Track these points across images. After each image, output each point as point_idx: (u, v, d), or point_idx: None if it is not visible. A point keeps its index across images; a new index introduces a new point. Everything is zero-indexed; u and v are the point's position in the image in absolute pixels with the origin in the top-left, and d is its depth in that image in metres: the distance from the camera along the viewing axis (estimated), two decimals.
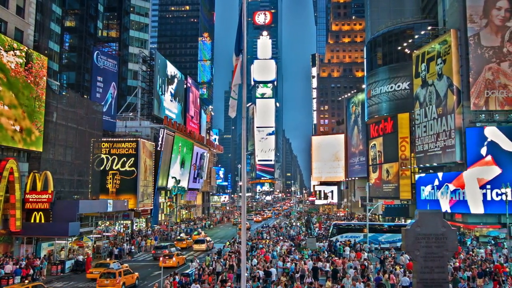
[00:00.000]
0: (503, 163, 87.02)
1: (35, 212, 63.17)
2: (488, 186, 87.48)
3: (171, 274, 46.26)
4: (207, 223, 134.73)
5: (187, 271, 52.35)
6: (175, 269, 58.39)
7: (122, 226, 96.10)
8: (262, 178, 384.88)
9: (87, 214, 74.06)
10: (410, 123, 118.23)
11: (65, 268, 59.58)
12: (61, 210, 64.27)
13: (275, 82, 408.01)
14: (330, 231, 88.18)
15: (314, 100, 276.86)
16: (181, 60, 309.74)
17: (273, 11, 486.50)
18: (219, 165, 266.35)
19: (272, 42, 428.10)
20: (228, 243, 77.95)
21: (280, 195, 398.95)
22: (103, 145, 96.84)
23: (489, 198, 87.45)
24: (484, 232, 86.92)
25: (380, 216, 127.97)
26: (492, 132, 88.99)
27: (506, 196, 70.92)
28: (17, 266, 52.96)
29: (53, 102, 72.02)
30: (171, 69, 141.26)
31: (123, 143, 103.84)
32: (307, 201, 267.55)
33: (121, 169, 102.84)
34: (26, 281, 48.89)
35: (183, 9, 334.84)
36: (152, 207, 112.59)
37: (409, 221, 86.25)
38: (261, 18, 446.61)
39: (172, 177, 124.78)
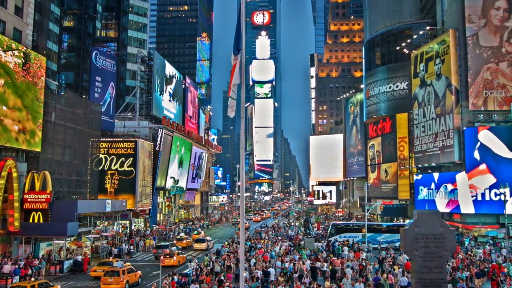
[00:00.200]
0: (496, 170, 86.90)
1: (34, 212, 63.21)
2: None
3: (170, 274, 46.22)
4: (205, 223, 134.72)
5: (185, 271, 52.30)
6: (175, 268, 58.98)
7: (120, 226, 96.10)
8: (260, 178, 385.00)
9: (86, 214, 73.99)
10: (408, 123, 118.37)
11: (64, 268, 59.57)
12: (59, 210, 64.27)
13: (274, 82, 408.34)
14: (328, 231, 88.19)
15: (313, 100, 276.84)
16: (180, 60, 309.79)
17: (271, 11, 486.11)
18: (218, 165, 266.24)
19: (270, 42, 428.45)
20: (226, 243, 78.02)
21: (278, 195, 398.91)
22: (102, 145, 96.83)
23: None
24: (483, 232, 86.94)
25: (378, 216, 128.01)
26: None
27: (505, 196, 71.05)
28: (16, 266, 52.95)
29: (52, 102, 72.06)
30: (169, 69, 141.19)
31: (121, 143, 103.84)
32: (306, 201, 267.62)
33: (119, 169, 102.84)
34: (32, 279, 49.50)
35: (181, 9, 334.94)
36: (150, 207, 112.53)
37: (407, 221, 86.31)
38: (260, 18, 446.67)
39: (171, 177, 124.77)
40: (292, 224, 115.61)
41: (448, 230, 25.67)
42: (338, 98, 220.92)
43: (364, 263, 53.26)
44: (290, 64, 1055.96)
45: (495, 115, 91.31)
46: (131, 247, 77.77)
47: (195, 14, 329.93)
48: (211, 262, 54.90)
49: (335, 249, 68.76)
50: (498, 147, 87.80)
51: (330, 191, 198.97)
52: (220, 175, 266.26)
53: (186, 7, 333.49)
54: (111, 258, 65.52)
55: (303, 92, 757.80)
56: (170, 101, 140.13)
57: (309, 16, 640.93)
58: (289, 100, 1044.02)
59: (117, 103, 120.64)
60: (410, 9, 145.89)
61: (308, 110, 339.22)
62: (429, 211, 27.51)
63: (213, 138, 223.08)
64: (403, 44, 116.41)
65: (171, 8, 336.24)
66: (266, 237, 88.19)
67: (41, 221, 63.15)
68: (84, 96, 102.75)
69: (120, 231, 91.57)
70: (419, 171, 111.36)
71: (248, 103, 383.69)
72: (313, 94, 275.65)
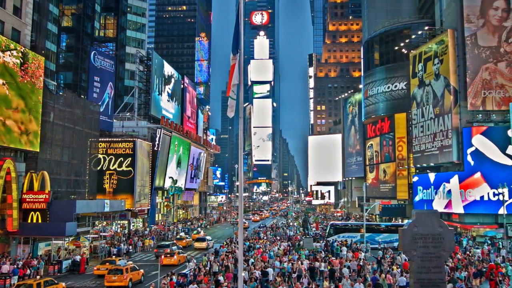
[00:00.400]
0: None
1: (32, 212, 63.22)
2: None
3: (168, 274, 46.24)
4: (203, 223, 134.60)
5: (184, 271, 52.34)
6: (176, 267, 59.80)
7: (119, 226, 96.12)
8: (259, 178, 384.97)
9: (84, 214, 73.92)
10: (407, 123, 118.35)
11: (62, 268, 59.59)
12: (58, 210, 64.29)
13: (272, 82, 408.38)
14: (327, 231, 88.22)
15: (311, 100, 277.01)
16: (178, 60, 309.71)
17: (270, 11, 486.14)
18: (216, 165, 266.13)
19: (269, 42, 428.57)
20: (225, 243, 78.06)
21: (277, 195, 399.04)
22: (100, 145, 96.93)
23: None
24: (481, 232, 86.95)
25: (377, 216, 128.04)
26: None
27: (503, 196, 71.06)
28: (14, 266, 52.96)
29: (50, 102, 72.03)
30: (168, 69, 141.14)
31: (120, 143, 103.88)
32: (304, 201, 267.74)
33: (118, 169, 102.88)
34: (38, 277, 50.59)
35: (180, 9, 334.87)
36: (149, 207, 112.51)
37: (406, 221, 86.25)
38: (258, 18, 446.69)
39: (169, 177, 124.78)
40: (291, 224, 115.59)
41: (446, 230, 25.69)
42: (337, 98, 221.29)
43: (362, 263, 53.33)
44: (288, 64, 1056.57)
45: (494, 115, 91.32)
46: (130, 247, 77.85)
47: (194, 14, 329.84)
48: (208, 262, 54.93)
49: (333, 249, 68.80)
50: (493, 153, 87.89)
51: (329, 191, 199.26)
52: (218, 175, 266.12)
53: (184, 7, 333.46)
54: (113, 256, 66.33)
55: (301, 92, 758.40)
56: (168, 101, 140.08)
57: (307, 16, 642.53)
58: (288, 100, 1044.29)
59: (116, 103, 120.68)
60: (409, 9, 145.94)
61: (306, 110, 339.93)
62: (428, 211, 27.49)
63: (212, 138, 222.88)
64: (402, 44, 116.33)
65: (169, 8, 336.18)
66: (265, 237, 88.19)
67: (40, 221, 63.14)
68: (82, 96, 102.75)
69: (119, 231, 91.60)
70: (417, 171, 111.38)
71: (247, 103, 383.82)
72: (311, 94, 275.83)
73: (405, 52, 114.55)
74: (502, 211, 72.37)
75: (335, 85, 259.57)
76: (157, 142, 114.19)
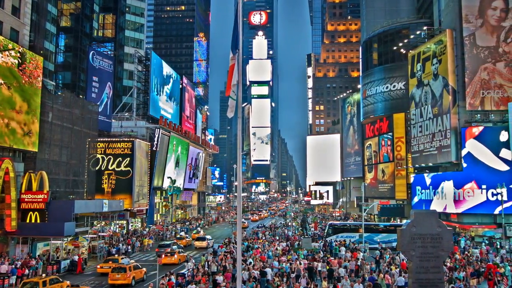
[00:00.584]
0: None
1: (31, 212, 63.22)
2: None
3: (166, 274, 46.26)
4: (201, 223, 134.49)
5: (182, 271, 52.41)
6: (176, 266, 60.88)
7: (117, 226, 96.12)
8: (257, 178, 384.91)
9: (83, 214, 73.94)
10: (405, 123, 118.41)
11: (61, 268, 59.57)
12: (56, 210, 64.32)
13: (271, 82, 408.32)
14: (325, 231, 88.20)
15: (310, 100, 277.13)
16: (177, 60, 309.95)
17: (268, 11, 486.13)
18: (215, 165, 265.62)
19: (267, 42, 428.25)
20: (223, 243, 78.11)
21: (275, 195, 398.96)
22: (99, 145, 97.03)
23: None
24: (480, 232, 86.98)
25: (375, 216, 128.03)
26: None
27: (502, 196, 71.07)
28: (13, 266, 52.97)
29: (49, 102, 72.05)
30: (166, 69, 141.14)
31: (118, 143, 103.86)
32: (303, 201, 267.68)
33: (116, 169, 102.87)
34: (43, 275, 51.98)
35: (178, 9, 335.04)
36: (147, 207, 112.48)
37: (404, 221, 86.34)
38: (257, 18, 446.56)
39: (168, 177, 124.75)
40: (289, 224, 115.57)
41: (445, 230, 25.69)
42: (335, 98, 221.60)
43: (360, 263, 53.35)
44: (287, 64, 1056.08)
45: (492, 115, 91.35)
46: (129, 247, 77.90)
47: (192, 14, 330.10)
48: (206, 263, 54.98)
49: (332, 249, 68.82)
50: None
51: (327, 191, 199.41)
52: (217, 175, 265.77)
53: (183, 7, 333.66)
54: (116, 255, 66.75)
55: (300, 92, 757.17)
56: (167, 101, 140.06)
57: (306, 16, 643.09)
58: (286, 100, 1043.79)
59: (114, 103, 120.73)
60: (407, 9, 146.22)
61: (305, 110, 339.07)
62: (426, 211, 27.52)
63: (210, 138, 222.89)
64: (400, 44, 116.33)
65: (168, 8, 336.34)
66: (263, 237, 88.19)
67: (38, 221, 63.15)
68: (81, 96, 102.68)
69: (117, 231, 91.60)
70: (416, 171, 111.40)
71: (245, 103, 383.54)
72: (310, 94, 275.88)
73: (404, 52, 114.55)
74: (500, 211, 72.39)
75: (334, 85, 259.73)
76: (155, 142, 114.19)
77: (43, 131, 69.13)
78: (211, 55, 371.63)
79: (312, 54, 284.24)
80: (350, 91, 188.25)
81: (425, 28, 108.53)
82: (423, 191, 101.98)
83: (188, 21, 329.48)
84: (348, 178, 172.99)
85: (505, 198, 75.55)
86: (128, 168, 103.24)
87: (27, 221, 63.03)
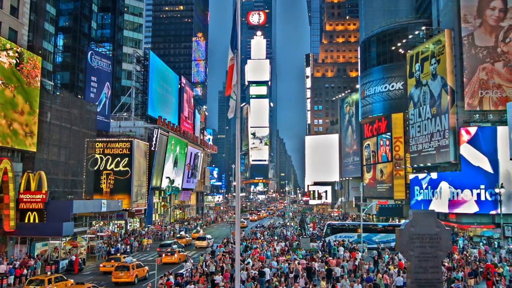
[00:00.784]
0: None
1: (29, 212, 63.21)
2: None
3: (165, 274, 46.32)
4: (200, 223, 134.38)
5: (181, 271, 52.51)
6: (176, 265, 61.95)
7: (116, 226, 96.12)
8: (256, 178, 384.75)
9: (81, 214, 74.07)
10: (404, 123, 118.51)
11: (59, 268, 59.56)
12: (55, 210, 64.31)
13: (269, 82, 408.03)
14: (324, 231, 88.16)
15: (308, 100, 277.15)
16: (175, 60, 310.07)
17: (267, 11, 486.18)
18: (213, 165, 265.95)
19: (266, 42, 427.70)
20: (222, 243, 78.19)
21: (274, 195, 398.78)
22: (97, 145, 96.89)
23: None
24: (478, 232, 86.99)
25: (374, 216, 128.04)
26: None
27: (500, 196, 71.10)
28: (11, 266, 52.96)
29: (47, 102, 72.01)
30: (165, 69, 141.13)
31: (117, 143, 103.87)
32: (301, 201, 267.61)
33: (115, 169, 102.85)
34: (49, 273, 52.14)
35: (177, 9, 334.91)
36: (146, 207, 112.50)
37: (403, 221, 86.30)
38: (255, 18, 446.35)
39: (166, 177, 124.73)
40: (288, 224, 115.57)
41: (443, 230, 25.71)
42: (334, 98, 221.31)
43: (357, 263, 53.37)
44: (285, 64, 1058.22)
45: (491, 115, 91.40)
46: (127, 247, 78.00)
47: (191, 14, 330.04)
48: (204, 263, 55.07)
49: (331, 249, 68.82)
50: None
51: (326, 191, 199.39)
52: (215, 175, 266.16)
53: (181, 7, 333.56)
54: (118, 254, 67.93)
55: (298, 92, 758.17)
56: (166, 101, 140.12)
57: (304, 16, 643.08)
58: (285, 100, 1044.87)
59: (113, 103, 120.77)
60: (406, 9, 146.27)
61: (303, 110, 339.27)
62: (425, 211, 27.55)
63: (209, 138, 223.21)
64: (399, 44, 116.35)
65: (166, 8, 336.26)
66: (262, 237, 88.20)
67: (37, 221, 63.14)
68: (79, 96, 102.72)
69: (116, 231, 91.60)
70: (414, 171, 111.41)
71: (244, 103, 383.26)
72: (308, 94, 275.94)
73: (402, 52, 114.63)
74: (498, 211, 72.38)
75: (332, 85, 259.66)
76: (154, 142, 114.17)
77: (41, 131, 69.10)
78: (210, 55, 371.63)
79: (311, 54, 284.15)
80: (349, 91, 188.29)
81: (423, 28, 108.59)
82: (422, 191, 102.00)
83: (187, 21, 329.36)
84: (347, 178, 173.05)
85: (503, 198, 75.57)
86: (127, 168, 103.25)
87: (26, 221, 63.01)
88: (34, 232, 63.21)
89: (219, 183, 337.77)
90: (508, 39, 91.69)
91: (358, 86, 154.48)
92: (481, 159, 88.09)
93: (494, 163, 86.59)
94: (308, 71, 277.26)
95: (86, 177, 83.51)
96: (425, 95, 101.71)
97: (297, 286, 41.53)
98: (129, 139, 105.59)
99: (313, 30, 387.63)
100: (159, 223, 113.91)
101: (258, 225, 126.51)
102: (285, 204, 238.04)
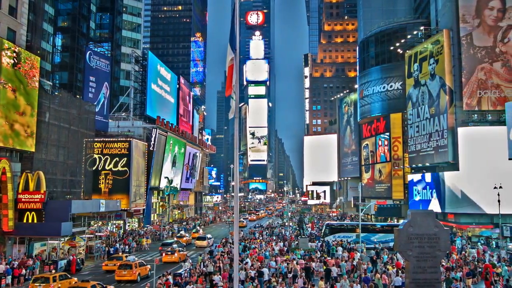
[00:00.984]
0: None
1: (28, 212, 63.22)
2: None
3: (164, 274, 46.35)
4: (198, 223, 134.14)
5: (179, 271, 52.56)
6: (176, 265, 62.49)
7: (114, 226, 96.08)
8: (254, 178, 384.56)
9: (80, 214, 74.04)
10: (402, 123, 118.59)
11: (58, 268, 59.50)
12: (53, 210, 64.35)
13: (268, 82, 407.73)
14: (322, 231, 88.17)
15: (307, 100, 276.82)
16: (174, 60, 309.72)
17: (265, 11, 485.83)
18: (212, 165, 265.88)
19: (264, 42, 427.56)
20: (221, 243, 78.23)
21: (272, 195, 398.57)
22: (96, 145, 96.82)
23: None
24: (477, 232, 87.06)
25: (372, 216, 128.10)
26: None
27: (499, 196, 71.11)
28: (9, 266, 52.94)
29: (46, 102, 71.98)
30: (163, 69, 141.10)
31: (115, 143, 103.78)
32: (300, 201, 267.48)
33: (113, 169, 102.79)
34: (53, 271, 53.07)
35: (175, 9, 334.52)
36: (144, 207, 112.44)
37: (401, 221, 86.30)
38: (254, 18, 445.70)
39: (165, 177, 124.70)
40: (286, 224, 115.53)
41: (442, 230, 25.70)
42: (332, 98, 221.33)
43: (355, 263, 53.36)
44: (284, 64, 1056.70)
45: (489, 115, 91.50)
46: (127, 247, 78.05)
47: (189, 14, 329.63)
48: (202, 263, 55.16)
49: (330, 248, 68.79)
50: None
51: (324, 191, 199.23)
52: (214, 175, 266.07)
53: (180, 7, 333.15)
54: (121, 253, 68.89)
55: (297, 92, 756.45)
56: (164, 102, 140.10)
57: (303, 16, 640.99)
58: (283, 100, 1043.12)
59: (111, 103, 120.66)
60: (404, 9, 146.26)
61: (302, 110, 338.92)
62: (423, 211, 27.54)
63: (207, 138, 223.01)
64: (397, 44, 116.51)
65: (165, 8, 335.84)
66: (260, 237, 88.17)
67: (35, 221, 63.14)
68: (78, 96, 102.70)
69: (114, 231, 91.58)
70: (413, 171, 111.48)
71: (242, 103, 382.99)
72: (307, 94, 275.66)
73: (401, 52, 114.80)
74: (497, 211, 72.36)
75: (331, 85, 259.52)
76: (152, 142, 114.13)
77: (40, 131, 69.11)
78: (208, 55, 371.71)
79: (309, 54, 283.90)
80: (347, 91, 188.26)
81: (422, 28, 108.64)
82: (420, 191, 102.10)
83: (185, 21, 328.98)
84: (345, 178, 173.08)
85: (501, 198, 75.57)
86: (125, 168, 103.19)
87: (24, 221, 63.01)
88: (33, 232, 63.20)
89: (218, 183, 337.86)
90: (507, 39, 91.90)
91: (356, 86, 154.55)
92: None
93: None
94: (306, 71, 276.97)
95: (84, 177, 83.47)
96: (424, 95, 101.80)
97: (296, 286, 41.56)
98: (128, 139, 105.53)
99: (311, 30, 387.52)
100: (158, 223, 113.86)
101: (257, 225, 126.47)
102: (284, 204, 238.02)
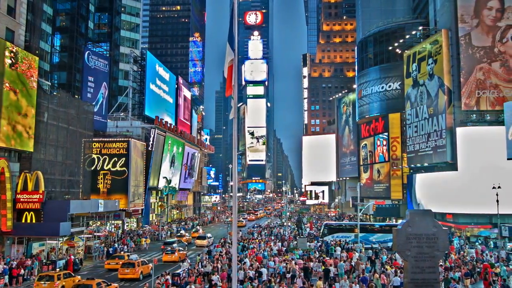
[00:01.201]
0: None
1: (26, 212, 63.28)
2: None
3: (162, 274, 46.40)
4: (196, 223, 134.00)
5: (178, 271, 52.57)
6: (176, 264, 62.81)
7: (113, 226, 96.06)
8: (253, 178, 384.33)
9: (78, 214, 73.94)
10: (401, 123, 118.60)
11: (56, 268, 59.47)
12: (52, 210, 64.35)
13: (266, 82, 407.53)
14: (321, 231, 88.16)
15: (305, 100, 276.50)
16: (172, 60, 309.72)
17: (264, 11, 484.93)
18: (210, 165, 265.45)
19: (263, 42, 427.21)
20: (219, 243, 78.29)
21: (271, 195, 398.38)
22: (94, 145, 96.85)
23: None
24: (475, 232, 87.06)
25: (371, 216, 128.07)
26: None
27: (497, 196, 71.09)
28: (6, 266, 52.91)
29: (44, 102, 71.98)
30: (162, 69, 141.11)
31: (114, 143, 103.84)
32: (298, 201, 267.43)
33: (112, 169, 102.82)
34: (58, 269, 54.49)
35: (174, 9, 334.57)
36: (143, 207, 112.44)
37: (400, 221, 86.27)
38: (252, 18, 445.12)
39: (163, 177, 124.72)
40: (285, 224, 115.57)
41: (440, 230, 25.69)
42: (331, 98, 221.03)
43: (354, 263, 53.34)
44: (282, 64, 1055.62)
45: (488, 115, 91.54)
46: (125, 247, 78.13)
47: (188, 14, 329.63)
48: (200, 263, 55.27)
49: (328, 248, 68.79)
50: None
51: (323, 191, 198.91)
52: (212, 175, 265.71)
53: (178, 7, 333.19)
54: (122, 252, 69.72)
55: (295, 92, 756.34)
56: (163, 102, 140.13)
57: (301, 16, 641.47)
58: (282, 100, 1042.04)
59: (110, 103, 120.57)
60: (403, 9, 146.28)
61: (300, 110, 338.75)
62: (422, 211, 27.50)
63: (206, 138, 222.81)
64: (396, 44, 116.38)
65: (163, 8, 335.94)
66: (259, 237, 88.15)
67: (34, 221, 63.17)
68: (76, 96, 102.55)
69: (113, 231, 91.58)
70: (411, 171, 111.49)
71: (241, 103, 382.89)
72: (305, 94, 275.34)
73: (399, 52, 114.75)
74: (496, 211, 72.33)
75: (329, 85, 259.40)
76: (151, 142, 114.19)
77: (38, 131, 69.14)
78: (207, 55, 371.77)
79: (308, 54, 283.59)
80: (346, 91, 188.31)
81: (420, 28, 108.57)
82: (419, 191, 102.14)
83: (184, 21, 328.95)
84: (344, 178, 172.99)
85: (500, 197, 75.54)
86: (124, 168, 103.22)
87: (23, 221, 63.03)
88: (31, 232, 63.20)
89: (216, 183, 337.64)
90: (505, 39, 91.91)
91: (355, 86, 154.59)
92: None
93: None
94: (305, 71, 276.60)
95: (83, 177, 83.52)
96: (422, 95, 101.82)
97: (296, 286, 41.60)
98: (126, 139, 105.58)
99: (310, 30, 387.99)
100: (156, 223, 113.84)
101: (255, 225, 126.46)
102: (282, 204, 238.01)
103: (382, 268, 49.89)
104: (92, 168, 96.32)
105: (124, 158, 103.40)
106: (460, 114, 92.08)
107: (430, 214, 26.41)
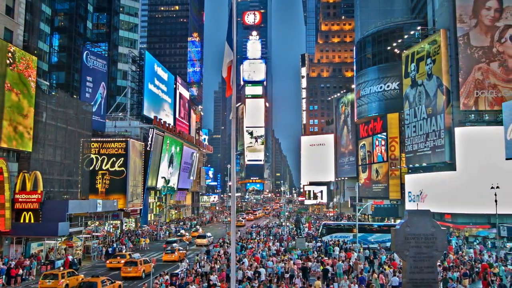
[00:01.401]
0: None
1: (25, 212, 63.32)
2: None
3: (161, 274, 46.41)
4: (194, 223, 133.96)
5: (176, 271, 52.60)
6: (176, 263, 63.54)
7: (111, 226, 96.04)
8: (251, 178, 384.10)
9: (77, 214, 73.91)
10: (399, 123, 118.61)
11: (55, 268, 59.46)
12: (50, 210, 64.33)
13: (265, 82, 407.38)
14: (319, 231, 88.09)
15: (304, 100, 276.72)
16: (171, 60, 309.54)
17: (262, 11, 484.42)
18: (209, 165, 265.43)
19: (261, 42, 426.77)
20: (218, 243, 78.31)
21: (269, 195, 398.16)
22: (93, 145, 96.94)
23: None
24: (474, 232, 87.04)
25: (369, 216, 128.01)
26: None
27: (496, 195, 71.10)
28: (5, 266, 52.90)
29: (43, 102, 71.98)
30: (160, 69, 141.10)
31: (112, 143, 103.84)
32: (297, 201, 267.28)
33: (110, 169, 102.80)
34: (61, 268, 55.32)
35: (172, 9, 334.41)
36: (141, 207, 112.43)
37: (398, 221, 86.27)
38: (251, 18, 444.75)
39: (162, 177, 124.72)
40: (283, 224, 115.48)
41: (439, 230, 25.73)
42: (329, 98, 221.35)
43: (352, 263, 53.34)
44: (281, 64, 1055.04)
45: (486, 115, 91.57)
46: (124, 247, 78.11)
47: (186, 14, 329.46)
48: (198, 263, 55.33)
49: (327, 248, 68.77)
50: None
51: (321, 191, 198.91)
52: (211, 175, 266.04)
53: (177, 7, 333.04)
54: (123, 251, 70.89)
55: (294, 92, 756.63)
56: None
57: (300, 16, 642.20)
58: (280, 100, 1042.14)
59: (108, 103, 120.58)
60: (401, 9, 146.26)
61: (299, 110, 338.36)
62: (420, 211, 27.53)
63: (204, 138, 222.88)
64: (394, 44, 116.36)
65: (162, 8, 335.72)
66: (258, 238, 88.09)
67: (32, 221, 63.19)
68: (75, 96, 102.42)
69: (111, 231, 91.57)
70: (410, 171, 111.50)
71: (239, 103, 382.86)
72: (304, 94, 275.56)
73: (398, 52, 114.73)
74: (494, 211, 72.35)
75: (328, 85, 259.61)
76: (149, 142, 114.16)
77: (37, 131, 69.13)
78: (205, 55, 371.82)
79: (306, 54, 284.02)
80: (344, 91, 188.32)
81: (419, 28, 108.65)
82: (417, 191, 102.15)
83: (182, 21, 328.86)
84: (342, 178, 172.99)
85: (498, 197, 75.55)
86: (122, 168, 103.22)
87: (21, 221, 63.06)
88: (30, 232, 63.19)
89: (215, 183, 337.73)
90: (504, 39, 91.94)
91: (353, 86, 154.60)
92: None
93: None
94: (303, 71, 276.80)
95: (81, 177, 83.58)
96: (421, 95, 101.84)
97: (297, 287, 41.63)
98: (125, 139, 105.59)
99: (308, 30, 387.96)
100: (155, 223, 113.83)
101: (254, 225, 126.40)
102: (281, 204, 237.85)
103: (381, 268, 49.87)
104: (91, 168, 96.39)
105: (122, 158, 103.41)
106: (458, 114, 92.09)
107: (429, 214, 26.43)
